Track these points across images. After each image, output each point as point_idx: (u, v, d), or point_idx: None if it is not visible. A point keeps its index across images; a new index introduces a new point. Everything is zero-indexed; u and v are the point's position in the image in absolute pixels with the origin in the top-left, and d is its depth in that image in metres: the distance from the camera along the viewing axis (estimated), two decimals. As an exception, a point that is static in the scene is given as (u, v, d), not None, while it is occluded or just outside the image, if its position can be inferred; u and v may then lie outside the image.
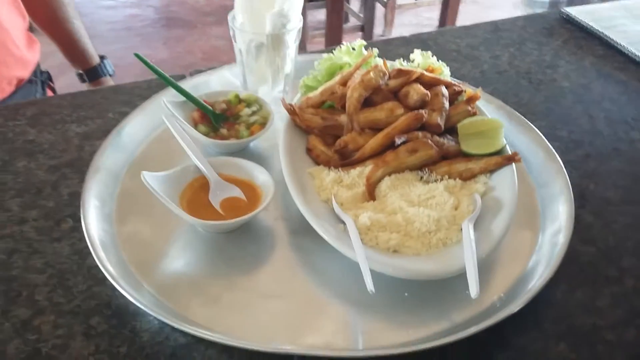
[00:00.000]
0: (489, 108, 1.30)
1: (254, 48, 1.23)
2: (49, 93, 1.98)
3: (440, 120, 1.14)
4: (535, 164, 1.20)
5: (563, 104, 1.44)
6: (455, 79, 1.33)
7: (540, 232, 1.05)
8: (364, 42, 1.33)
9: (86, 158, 1.21)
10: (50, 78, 2.01)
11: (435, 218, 0.97)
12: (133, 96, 1.47)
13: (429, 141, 1.10)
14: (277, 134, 1.21)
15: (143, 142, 1.26)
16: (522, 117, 1.28)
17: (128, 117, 1.30)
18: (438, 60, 1.31)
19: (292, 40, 1.26)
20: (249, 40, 1.23)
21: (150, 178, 1.00)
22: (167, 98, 1.22)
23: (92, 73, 2.18)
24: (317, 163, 1.15)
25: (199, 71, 1.55)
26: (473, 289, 0.83)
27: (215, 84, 1.46)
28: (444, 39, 1.73)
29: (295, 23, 1.25)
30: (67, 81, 2.63)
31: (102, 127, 1.35)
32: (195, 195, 1.07)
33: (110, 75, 2.22)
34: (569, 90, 1.49)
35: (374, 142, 1.12)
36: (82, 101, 1.45)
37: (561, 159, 1.20)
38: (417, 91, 1.16)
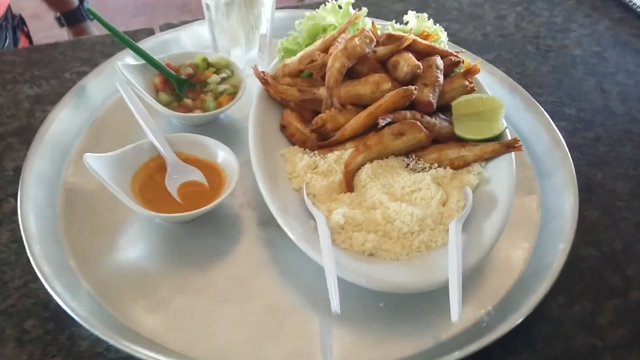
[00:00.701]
0: (489, 81, 1.15)
1: (224, 5, 1.07)
2: (22, 39, 1.81)
3: (432, 98, 1.00)
4: (538, 149, 1.06)
5: (573, 75, 1.29)
6: (453, 46, 1.18)
7: (539, 232, 0.93)
8: (352, 0, 1.17)
9: (36, 126, 1.07)
10: (23, 22, 1.84)
11: (419, 217, 0.84)
12: (94, 53, 1.31)
13: (418, 123, 0.96)
14: (251, 104, 1.06)
15: (99, 110, 1.12)
16: (526, 92, 1.13)
17: (85, 78, 1.15)
18: (435, 24, 1.15)
19: (267, -1, 1.11)
20: (218, -4, 1.07)
21: (94, 161, 0.87)
22: (122, 61, 1.07)
23: (70, 16, 2.01)
24: (292, 142, 1.02)
25: (171, 25, 1.39)
26: (454, 311, 0.72)
27: (186, 42, 1.30)
28: (445, -5, 1.55)
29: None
30: (45, 25, 2.45)
31: (57, 89, 1.20)
32: (150, 178, 0.94)
33: (90, 20, 2.05)
34: (581, 60, 1.34)
35: (356, 122, 0.98)
36: (38, 57, 1.29)
37: (567, 141, 1.06)
38: (407, 62, 1.01)
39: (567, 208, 0.93)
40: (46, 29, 2.37)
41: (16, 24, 1.77)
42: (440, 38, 1.14)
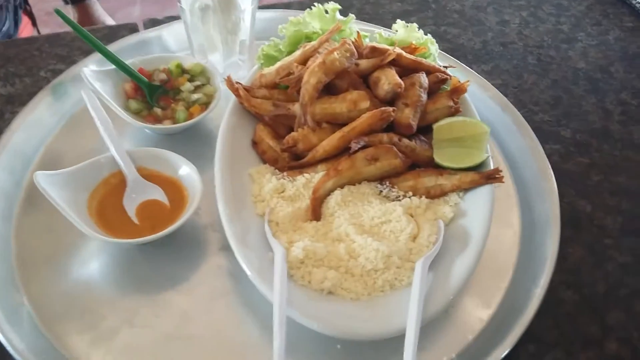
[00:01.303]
0: (480, 97, 1.09)
1: (198, 9, 1.01)
2: (24, 20, 1.76)
3: (412, 120, 0.93)
4: (524, 175, 1.00)
5: (574, 92, 1.21)
6: (446, 56, 1.10)
7: (514, 271, 0.87)
8: (338, 6, 1.10)
9: (4, 129, 1.04)
10: (26, 1, 1.79)
11: (384, 253, 0.79)
12: (72, 50, 1.26)
13: (394, 148, 0.90)
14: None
15: (67, 116, 1.07)
16: (518, 112, 1.06)
17: (55, 80, 1.11)
18: (426, 34, 1.08)
19: (247, 4, 1.04)
20: (192, 0, 1.01)
21: (46, 180, 0.83)
22: (89, 67, 1.02)
23: None
24: (263, 160, 0.97)
25: (157, 22, 1.34)
26: (408, 366, 0.67)
27: (168, 41, 1.24)
28: (447, -5, 1.47)
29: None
30: (50, 5, 2.40)
31: (30, 88, 1.16)
32: (109, 196, 0.90)
33: None
34: (584, 74, 1.26)
35: (328, 144, 0.92)
36: (14, 52, 1.25)
37: (558, 167, 1.01)
38: (389, 79, 0.95)
39: (548, 247, 0.87)
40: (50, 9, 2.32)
41: (18, 3, 1.72)
42: (430, 51, 1.07)
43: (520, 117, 1.05)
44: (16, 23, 1.70)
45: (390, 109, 0.91)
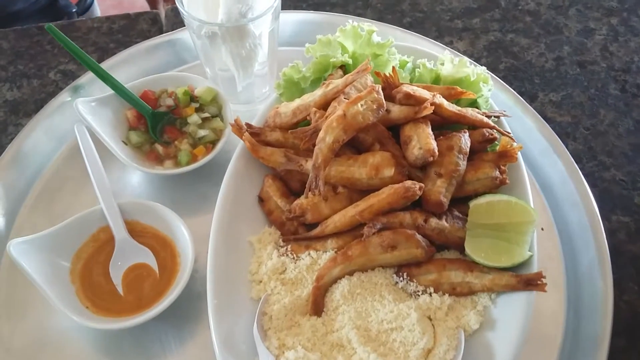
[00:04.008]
0: (539, 146, 0.90)
1: (206, 37, 0.86)
2: None
3: (444, 195, 0.78)
4: (581, 264, 0.83)
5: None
6: (499, 87, 0.91)
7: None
8: (375, 28, 0.92)
9: (5, 145, 0.97)
10: None
11: (387, 378, 0.68)
12: (86, 44, 1.15)
13: (416, 236, 0.75)
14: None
15: (62, 148, 0.97)
16: (581, 176, 0.87)
17: (60, 95, 1.01)
18: (481, 66, 0.89)
19: (264, 27, 0.88)
20: (197, 27, 0.86)
21: (23, 248, 0.75)
22: (83, 99, 0.89)
23: None
24: (269, 220, 0.85)
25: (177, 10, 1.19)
26: None
27: (185, 45, 1.10)
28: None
29: (262, 8, 0.85)
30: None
31: (37, 93, 1.07)
32: (96, 257, 0.82)
33: None
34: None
35: (340, 220, 0.79)
36: (26, 44, 1.15)
37: (624, 247, 0.83)
38: (421, 142, 0.79)
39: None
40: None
41: None
42: (481, 91, 0.88)
43: (584, 184, 0.87)
44: None
45: (417, 186, 0.75)
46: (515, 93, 0.96)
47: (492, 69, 1.06)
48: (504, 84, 0.97)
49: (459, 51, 1.07)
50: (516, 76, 1.00)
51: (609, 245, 0.81)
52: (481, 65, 0.92)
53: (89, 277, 0.80)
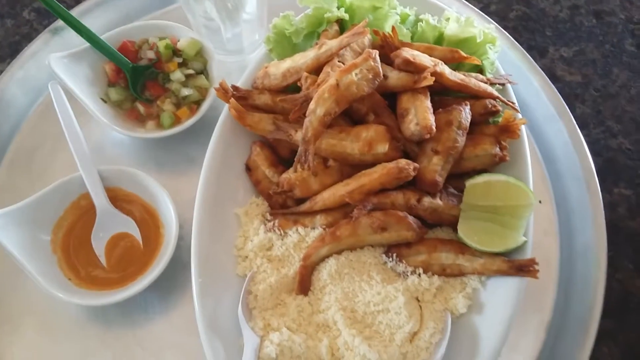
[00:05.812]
0: (544, 112, 0.85)
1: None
2: None
3: (440, 174, 0.74)
4: (572, 249, 0.81)
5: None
6: (499, 75, 0.84)
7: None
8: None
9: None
10: None
11: (372, 360, 0.68)
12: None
13: (408, 218, 0.72)
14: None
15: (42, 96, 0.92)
16: (584, 145, 0.83)
17: (36, 41, 0.94)
18: (492, 27, 0.81)
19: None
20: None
21: (1, 223, 0.72)
22: (56, 57, 0.82)
23: None
24: (256, 190, 0.81)
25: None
26: None
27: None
28: None
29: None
30: None
31: (11, 35, 1.00)
32: (78, 226, 0.79)
33: None
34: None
35: (329, 198, 0.75)
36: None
37: (623, 224, 0.81)
38: (418, 116, 0.74)
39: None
40: None
41: None
42: (487, 55, 0.81)
43: (588, 159, 0.82)
44: None
45: (411, 167, 0.72)
46: (524, 51, 0.89)
47: (502, 17, 0.98)
48: (513, 40, 0.89)
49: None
50: (527, 27, 0.93)
51: (607, 220, 0.78)
52: (490, 12, 0.84)
53: (71, 248, 0.78)
